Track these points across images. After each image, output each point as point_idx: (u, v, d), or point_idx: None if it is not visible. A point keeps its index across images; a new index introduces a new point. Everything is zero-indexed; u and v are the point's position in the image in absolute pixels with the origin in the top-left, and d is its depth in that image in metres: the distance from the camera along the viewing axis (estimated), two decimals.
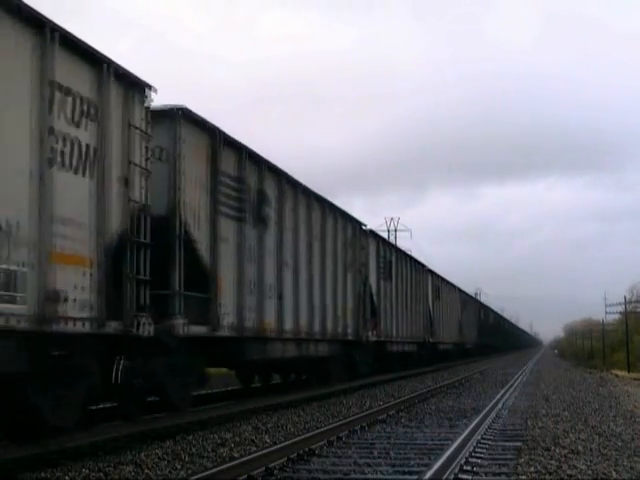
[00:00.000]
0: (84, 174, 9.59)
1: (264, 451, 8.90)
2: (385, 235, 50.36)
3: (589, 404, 16.86)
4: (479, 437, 10.37)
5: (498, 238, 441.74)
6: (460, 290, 50.22)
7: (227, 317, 13.48)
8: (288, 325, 16.46)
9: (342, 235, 20.91)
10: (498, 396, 17.61)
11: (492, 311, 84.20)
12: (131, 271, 10.33)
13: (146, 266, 10.62)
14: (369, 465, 8.50)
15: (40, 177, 8.74)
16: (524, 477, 7.88)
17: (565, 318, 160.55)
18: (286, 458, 8.54)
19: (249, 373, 19.48)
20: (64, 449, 8.89)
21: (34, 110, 8.74)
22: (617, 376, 35.78)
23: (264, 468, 7.89)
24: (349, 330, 21.38)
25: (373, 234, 25.45)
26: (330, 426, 11.36)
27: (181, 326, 11.70)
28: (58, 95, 9.08)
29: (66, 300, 9.08)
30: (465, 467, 8.22)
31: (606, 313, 59.14)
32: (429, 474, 7.52)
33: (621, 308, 54.09)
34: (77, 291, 9.32)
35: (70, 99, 9.34)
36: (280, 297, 16.00)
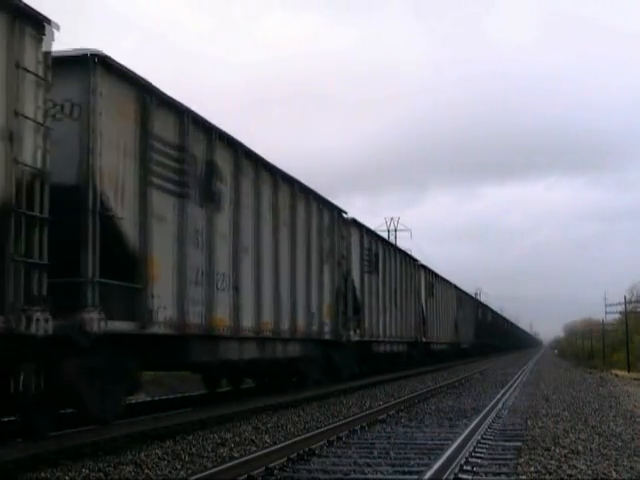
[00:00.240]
0: None
1: (264, 451, 8.91)
2: (385, 235, 50.25)
3: (589, 404, 16.86)
4: (479, 437, 10.37)
5: (498, 238, 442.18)
6: (456, 287, 48.07)
7: (163, 311, 11.22)
8: (247, 322, 14.16)
9: (317, 222, 18.61)
10: (498, 396, 17.62)
11: (490, 310, 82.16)
12: (17, 252, 8.11)
13: (42, 247, 8.44)
14: (369, 465, 8.50)
15: None
16: (524, 477, 7.88)
17: (565, 318, 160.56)
18: (286, 458, 8.55)
19: (215, 376, 17.38)
20: (64, 449, 8.88)
21: None
22: (617, 376, 35.78)
23: (264, 468, 7.90)
24: (326, 328, 19.26)
25: (356, 223, 22.98)
26: (330, 426, 11.36)
27: (95, 321, 9.59)
28: None
29: None
30: (465, 467, 8.23)
31: (606, 313, 59.25)
32: (429, 474, 7.53)
33: (621, 308, 54.16)
34: None
35: None
36: (236, 289, 13.65)
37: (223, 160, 13.43)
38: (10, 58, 8.34)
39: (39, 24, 8.71)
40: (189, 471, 8.15)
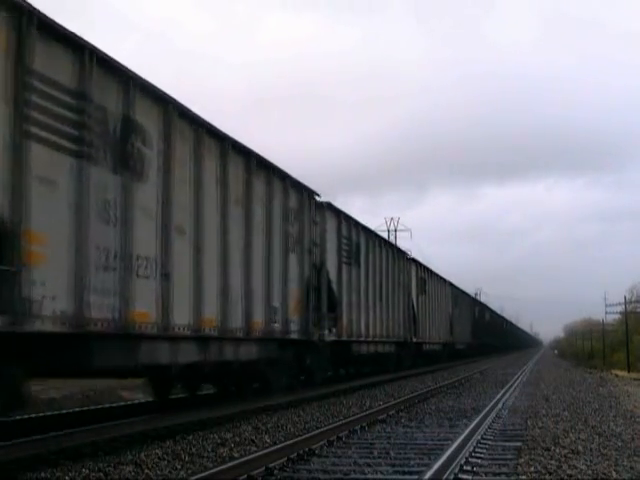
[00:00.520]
0: None
1: (264, 451, 8.90)
2: (385, 235, 50.17)
3: (589, 404, 16.86)
4: (479, 437, 10.37)
5: (498, 238, 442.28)
6: (451, 284, 45.06)
7: (51, 303, 8.67)
8: (182, 318, 11.51)
9: (281, 203, 15.89)
10: (498, 396, 17.62)
11: (488, 309, 79.00)
12: None
13: None
14: (369, 465, 8.50)
15: None
16: (524, 477, 7.88)
17: (565, 318, 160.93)
18: (286, 458, 8.55)
19: (164, 382, 14.59)
20: (64, 449, 8.88)
21: None
22: (617, 376, 35.80)
23: (264, 468, 7.90)
24: (294, 327, 16.52)
25: (332, 208, 20.34)
26: (330, 426, 11.36)
27: None
28: None
29: None
30: (465, 467, 8.23)
31: (606, 313, 59.29)
32: (429, 474, 7.53)
33: (621, 308, 54.20)
34: None
35: None
36: (166, 277, 11.04)
37: (148, 118, 10.89)
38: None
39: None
40: (189, 471, 8.16)
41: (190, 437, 10.66)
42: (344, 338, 20.69)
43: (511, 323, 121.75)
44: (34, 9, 8.58)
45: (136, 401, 16.17)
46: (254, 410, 13.81)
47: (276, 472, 7.98)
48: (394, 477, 7.96)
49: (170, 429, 10.96)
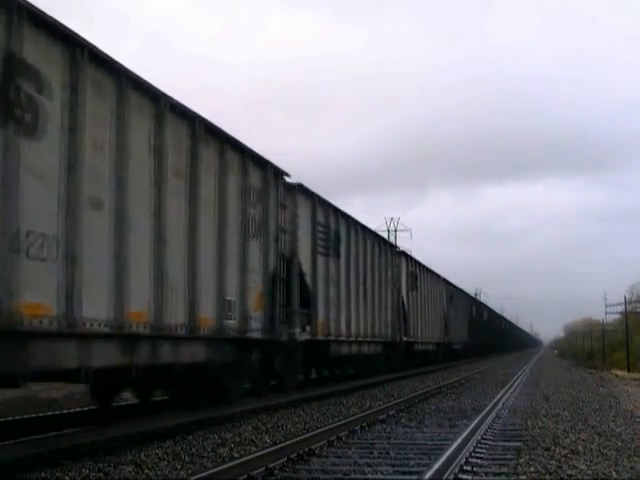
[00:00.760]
0: None
1: (264, 451, 8.91)
2: (385, 235, 49.98)
3: (589, 404, 16.86)
4: (479, 437, 10.37)
5: (498, 238, 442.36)
6: (446, 281, 42.65)
7: None
8: (96, 311, 9.50)
9: (238, 180, 13.78)
10: (498, 396, 17.61)
11: (487, 307, 76.63)
12: None
13: None
14: (369, 465, 8.50)
15: None
16: (524, 477, 7.88)
17: (565, 318, 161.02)
18: (286, 458, 8.55)
19: (106, 388, 13.01)
20: (64, 449, 8.88)
21: None
22: (617, 376, 35.78)
23: (264, 468, 7.90)
24: (255, 324, 14.35)
25: (305, 191, 18.06)
26: (330, 426, 11.36)
27: None
28: None
29: None
30: (465, 467, 8.23)
31: (606, 313, 59.22)
32: (429, 474, 7.53)
33: (621, 308, 54.15)
34: None
35: None
36: (72, 260, 8.98)
37: (46, 61, 8.82)
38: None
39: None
40: (189, 471, 8.16)
41: (190, 437, 10.66)
42: (320, 337, 18.60)
43: (510, 323, 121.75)
44: None
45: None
46: (254, 410, 13.80)
47: (276, 472, 7.98)
48: (394, 477, 7.96)
49: (170, 429, 10.95)
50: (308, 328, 17.77)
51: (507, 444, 10.11)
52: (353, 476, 7.97)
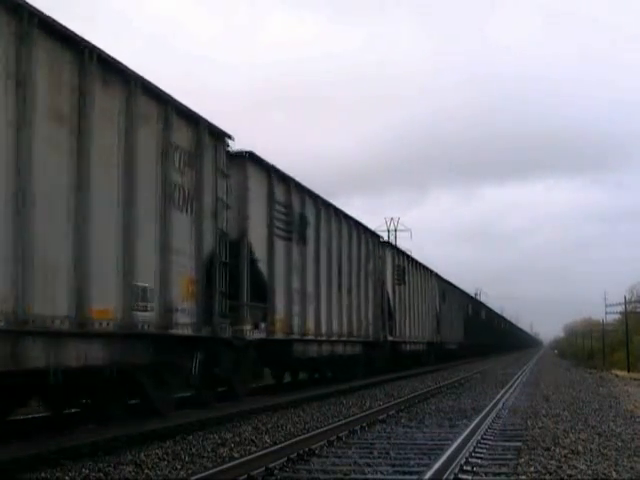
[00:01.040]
0: None
1: (264, 451, 8.91)
2: (385, 236, 49.76)
3: (589, 404, 16.86)
4: (479, 437, 10.37)
5: (498, 239, 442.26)
6: (438, 276, 39.67)
7: None
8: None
9: (157, 136, 11.20)
10: (498, 396, 17.61)
11: (484, 306, 74.08)
12: None
13: None
14: (369, 465, 8.50)
15: None
16: (524, 477, 7.88)
17: (565, 318, 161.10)
18: (286, 458, 8.55)
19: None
20: (64, 449, 8.88)
21: None
22: (617, 376, 35.77)
23: (264, 468, 7.90)
24: (183, 318, 11.68)
25: (257, 160, 15.11)
26: (330, 426, 11.36)
27: None
28: None
29: None
30: (465, 467, 8.23)
31: (606, 313, 59.17)
32: (429, 474, 7.53)
33: (621, 308, 54.12)
34: None
35: None
36: None
37: None
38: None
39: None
40: (189, 471, 8.16)
41: (190, 437, 10.66)
42: (279, 336, 15.90)
43: (510, 322, 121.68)
44: None
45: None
46: (254, 410, 13.80)
47: (276, 472, 7.98)
48: (394, 477, 7.96)
49: (170, 429, 10.95)
50: (263, 325, 15.04)
51: (507, 444, 10.11)
52: (353, 476, 7.97)
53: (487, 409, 14.23)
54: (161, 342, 11.24)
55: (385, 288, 26.48)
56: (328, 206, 19.71)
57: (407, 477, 7.90)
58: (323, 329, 18.81)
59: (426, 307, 35.20)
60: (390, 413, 13.85)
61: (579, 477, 7.92)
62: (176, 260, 11.51)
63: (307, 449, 9.20)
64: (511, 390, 20.34)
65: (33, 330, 8.51)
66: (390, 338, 26.74)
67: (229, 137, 13.46)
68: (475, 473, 8.03)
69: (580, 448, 9.76)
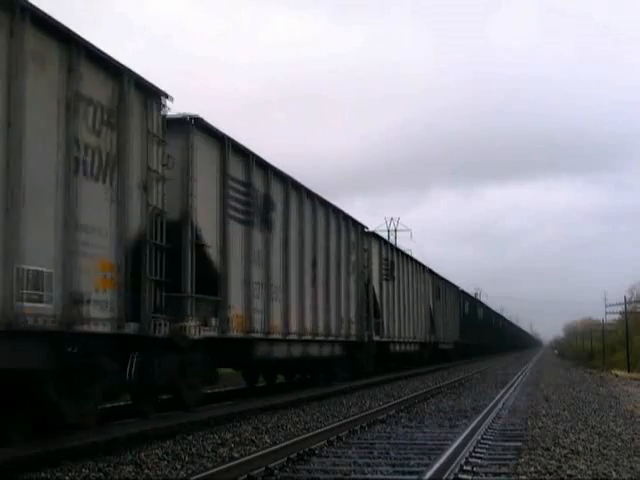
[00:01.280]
0: None
1: (264, 451, 8.91)
2: (385, 236, 49.71)
3: (589, 404, 16.86)
4: (479, 437, 10.37)
5: (499, 239, 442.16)
6: (432, 272, 37.56)
7: None
8: None
9: (55, 79, 8.98)
10: (498, 396, 17.61)
11: (482, 304, 71.62)
12: None
13: None
14: (369, 465, 8.50)
15: None
16: (524, 477, 7.88)
17: (565, 318, 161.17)
18: (286, 458, 8.55)
19: None
20: (64, 449, 8.87)
21: None
22: (617, 376, 35.79)
23: (264, 468, 7.90)
24: (96, 310, 9.51)
25: (202, 126, 12.78)
26: (330, 426, 11.36)
27: None
28: None
29: None
30: (465, 467, 8.23)
31: (606, 313, 59.24)
32: (429, 474, 7.53)
33: (621, 308, 54.17)
34: None
35: None
36: None
37: None
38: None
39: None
40: (189, 471, 8.16)
41: (190, 437, 10.66)
42: (236, 335, 13.80)
43: (510, 322, 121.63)
44: None
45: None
46: (254, 410, 13.80)
47: (276, 472, 7.98)
48: (394, 477, 7.96)
49: (170, 429, 10.94)
50: (214, 321, 12.98)
51: (507, 444, 10.10)
52: (353, 476, 7.97)
53: (487, 409, 14.23)
54: (71, 342, 9.12)
55: (371, 283, 24.53)
56: (299, 188, 17.33)
57: (407, 477, 7.90)
58: (293, 327, 16.60)
59: (418, 305, 33.12)
60: (390, 413, 13.85)
61: (579, 477, 7.92)
62: (86, 239, 9.32)
63: (307, 449, 9.20)
64: (511, 390, 20.33)
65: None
66: (376, 338, 24.70)
67: (166, 96, 11.22)
68: (475, 473, 8.02)
69: (580, 448, 9.76)
